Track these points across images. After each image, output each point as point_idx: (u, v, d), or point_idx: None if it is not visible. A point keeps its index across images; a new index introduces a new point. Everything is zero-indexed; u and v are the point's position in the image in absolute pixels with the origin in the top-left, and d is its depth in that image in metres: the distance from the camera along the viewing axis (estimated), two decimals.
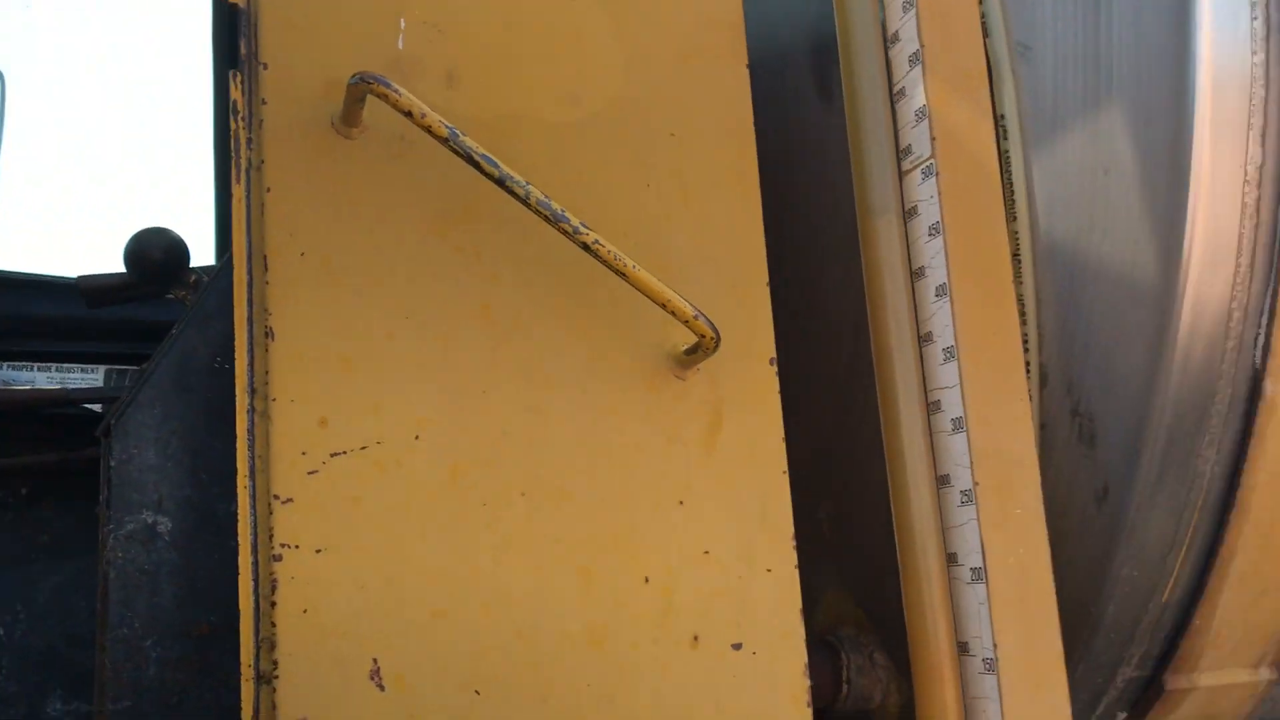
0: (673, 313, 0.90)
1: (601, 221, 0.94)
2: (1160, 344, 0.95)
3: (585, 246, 0.89)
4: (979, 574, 0.95)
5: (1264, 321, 0.96)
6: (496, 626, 0.87)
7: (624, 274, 0.90)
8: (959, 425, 0.99)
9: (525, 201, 0.88)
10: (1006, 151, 1.07)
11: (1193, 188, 0.93)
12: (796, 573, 0.95)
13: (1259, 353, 0.96)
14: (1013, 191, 1.07)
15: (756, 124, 1.04)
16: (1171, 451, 0.98)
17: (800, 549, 0.96)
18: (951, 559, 0.98)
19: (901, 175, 1.06)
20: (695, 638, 0.91)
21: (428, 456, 0.88)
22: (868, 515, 1.09)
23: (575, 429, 0.92)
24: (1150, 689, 1.07)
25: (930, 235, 1.03)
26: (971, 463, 0.97)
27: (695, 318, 0.90)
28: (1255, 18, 0.94)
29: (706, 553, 0.93)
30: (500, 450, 0.90)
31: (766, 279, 1.01)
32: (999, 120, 1.09)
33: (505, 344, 0.92)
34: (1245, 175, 0.94)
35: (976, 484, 0.96)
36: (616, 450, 0.93)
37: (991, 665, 0.94)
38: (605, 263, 0.89)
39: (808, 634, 0.95)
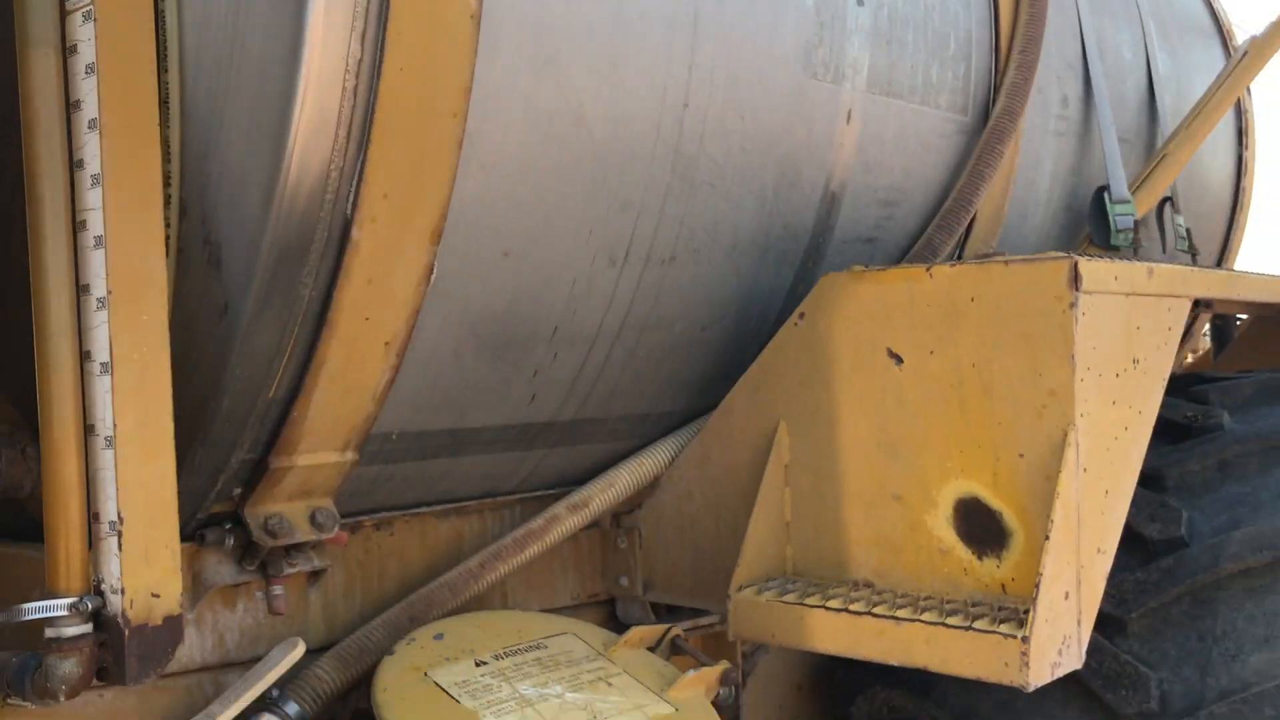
0: None
1: None
2: (272, 192, 1.20)
3: None
4: (106, 367, 1.14)
5: (354, 183, 1.25)
6: None
7: None
8: (100, 242, 1.15)
9: None
10: (163, 10, 1.24)
11: (303, 72, 1.19)
12: None
13: (350, 206, 1.26)
14: (166, 46, 1.24)
15: None
16: (279, 278, 1.25)
17: None
18: (86, 355, 1.15)
19: (65, 15, 1.17)
20: None
21: None
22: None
23: None
24: (258, 468, 1.35)
25: (87, 73, 1.17)
26: (108, 274, 1.14)
27: None
28: None
29: None
30: None
31: None
32: None
33: None
34: (347, 66, 1.21)
35: (110, 292, 1.14)
36: None
37: (110, 442, 1.13)
38: None
39: None
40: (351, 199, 1.26)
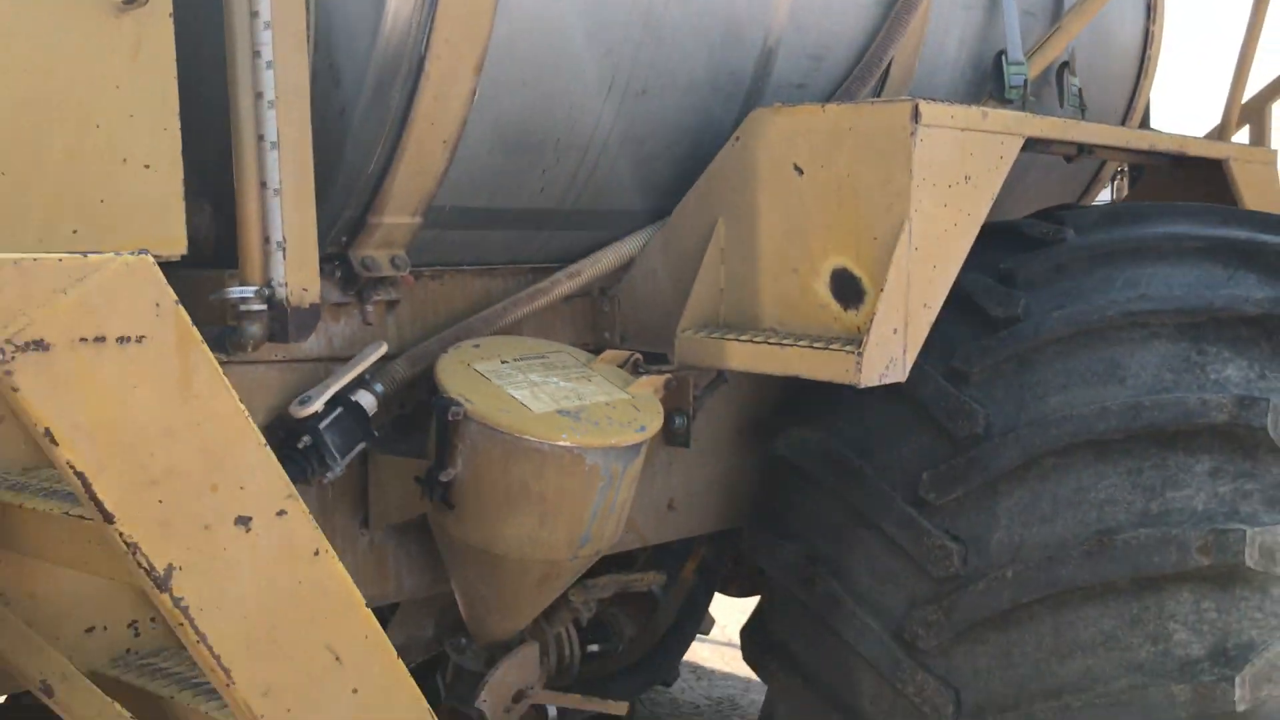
0: None
1: None
2: (376, 36, 1.87)
3: None
4: (275, 145, 1.82)
5: (427, 31, 1.91)
6: None
7: None
8: (269, 65, 1.82)
9: None
10: None
11: None
12: None
13: (424, 46, 1.92)
14: None
15: None
16: (378, 93, 1.92)
17: None
18: (261, 138, 1.83)
19: None
20: None
21: None
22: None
23: None
24: (359, 223, 2.05)
25: None
26: (275, 85, 1.81)
27: None
28: None
29: None
30: None
31: None
32: None
33: None
34: None
35: (275, 98, 1.81)
36: None
37: (277, 193, 1.82)
38: None
39: None
40: (425, 41, 1.92)
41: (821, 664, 2.58)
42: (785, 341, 2.21)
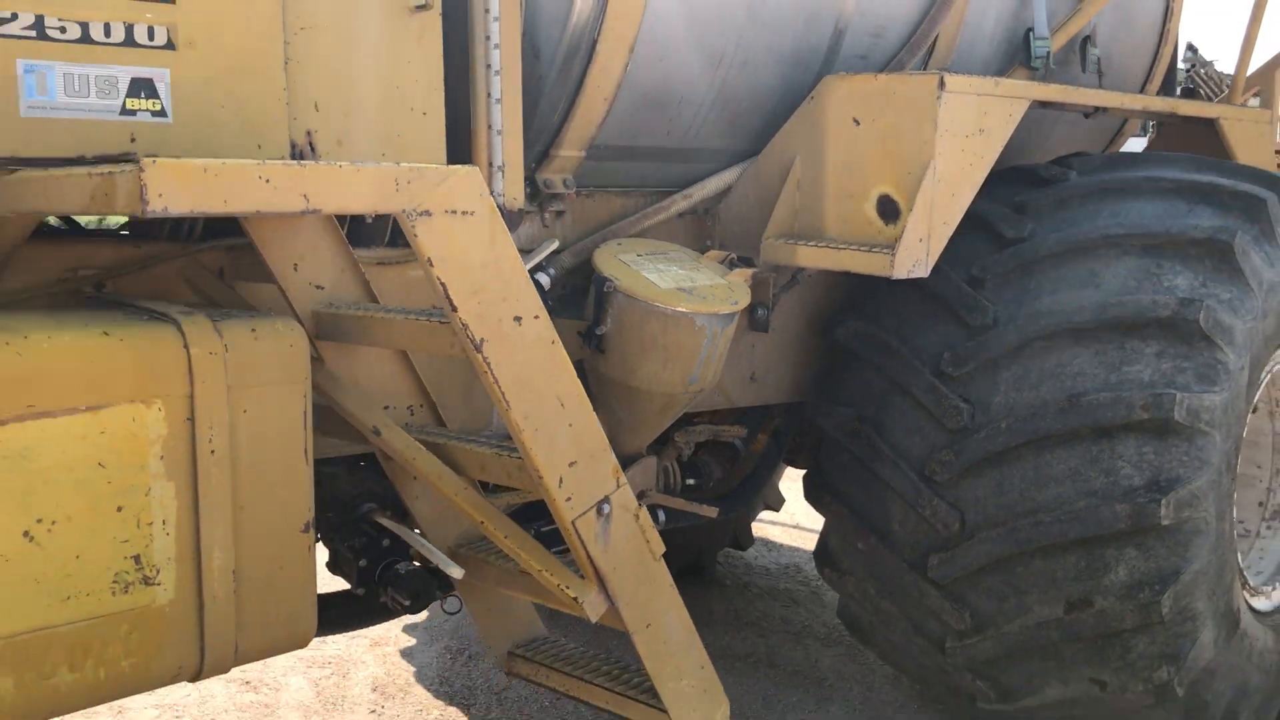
0: None
1: None
2: (565, 24, 2.76)
3: None
4: (498, 101, 2.73)
5: (599, 22, 2.80)
6: None
7: None
8: (496, 46, 2.73)
9: None
10: None
11: None
12: None
13: (596, 33, 2.82)
14: None
15: None
16: (565, 65, 2.83)
17: None
18: (489, 96, 2.74)
19: None
20: None
21: None
22: None
23: None
24: (545, 155, 2.97)
25: None
26: (501, 51, 2.72)
27: None
28: None
29: None
30: None
31: None
32: None
33: None
34: None
35: (502, 67, 2.72)
36: None
37: (498, 111, 2.74)
38: None
39: None
40: (598, 30, 2.81)
41: (863, 497, 3.48)
42: (841, 247, 3.09)
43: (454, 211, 2.02)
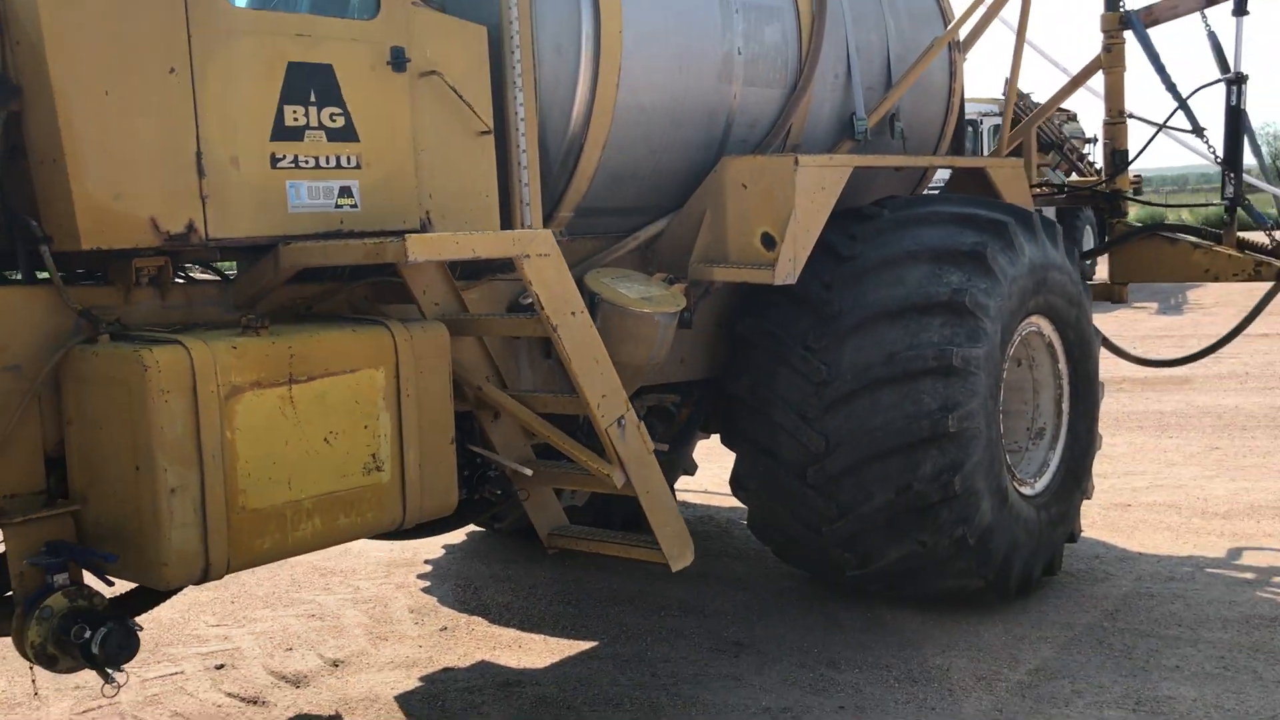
0: None
1: None
2: (566, 131, 4.49)
3: None
4: (526, 185, 4.42)
5: (584, 129, 4.53)
6: None
7: None
8: (524, 157, 4.42)
9: None
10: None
11: (580, 80, 4.47)
12: None
13: (584, 137, 4.54)
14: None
15: None
16: (565, 159, 4.55)
17: None
18: (524, 178, 4.44)
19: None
20: None
21: None
22: None
23: None
24: (551, 216, 4.67)
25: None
26: (527, 162, 4.43)
27: None
28: None
29: None
30: None
31: None
32: None
33: None
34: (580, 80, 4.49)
35: (527, 166, 4.43)
36: None
37: (527, 188, 4.43)
38: None
39: None
40: (584, 136, 4.54)
41: (760, 435, 5.26)
42: (740, 266, 4.88)
43: (541, 254, 3.72)
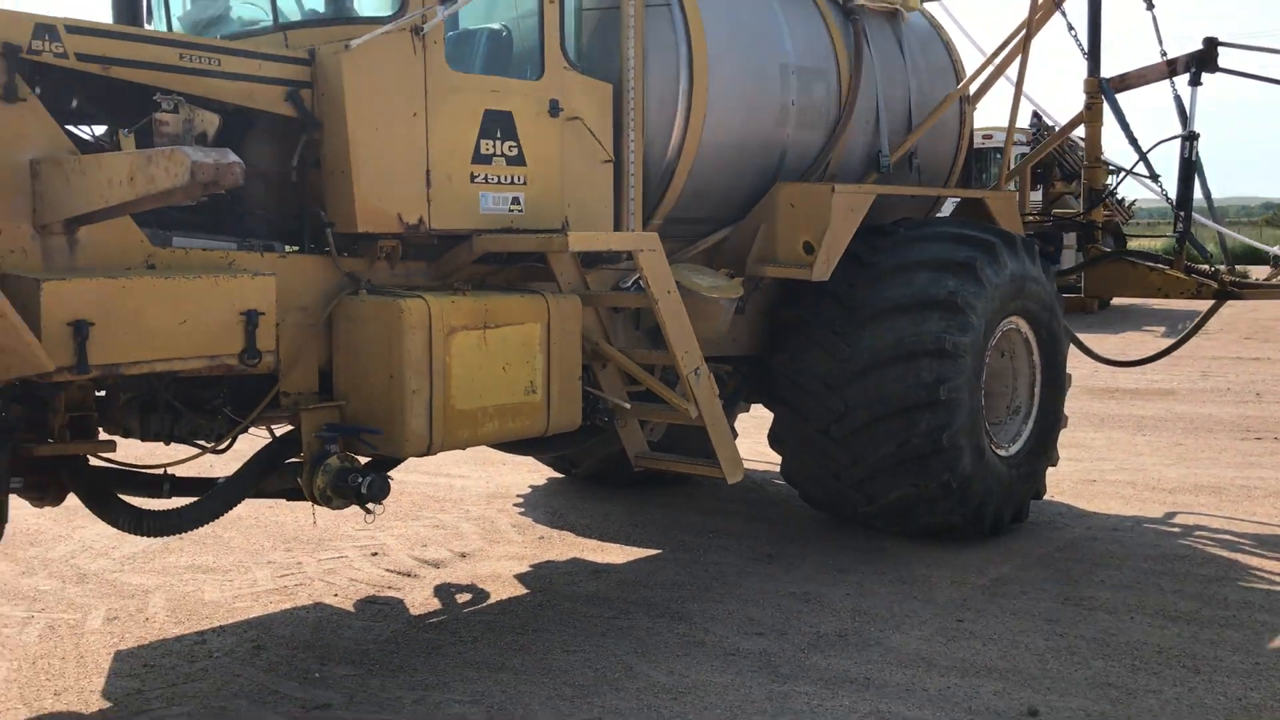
0: None
1: None
2: (664, 157, 6.21)
3: None
4: (633, 201, 6.13)
5: (677, 155, 6.24)
6: None
7: None
8: (632, 176, 6.12)
9: None
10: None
11: (678, 122, 6.19)
12: None
13: (676, 162, 6.25)
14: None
15: None
16: (660, 179, 6.27)
17: None
18: (630, 191, 6.15)
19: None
20: None
21: None
22: None
23: None
24: (646, 223, 6.38)
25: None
26: (635, 180, 6.13)
27: None
28: None
29: None
30: None
31: None
32: None
33: None
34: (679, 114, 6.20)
35: (633, 184, 6.14)
36: None
37: (634, 201, 6.14)
38: None
39: None
40: (675, 163, 6.23)
41: (794, 398, 6.96)
42: (786, 265, 6.58)
43: (651, 250, 5.44)
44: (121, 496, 4.94)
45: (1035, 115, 20.99)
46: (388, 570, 6.65)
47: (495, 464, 9.31)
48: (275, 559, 6.83)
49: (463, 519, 7.80)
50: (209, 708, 4.72)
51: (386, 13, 5.10)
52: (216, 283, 4.38)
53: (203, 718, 4.64)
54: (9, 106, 4.12)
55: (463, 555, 6.96)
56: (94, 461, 4.94)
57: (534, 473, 9.02)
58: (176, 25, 5.81)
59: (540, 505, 8.16)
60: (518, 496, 8.39)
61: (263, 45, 5.09)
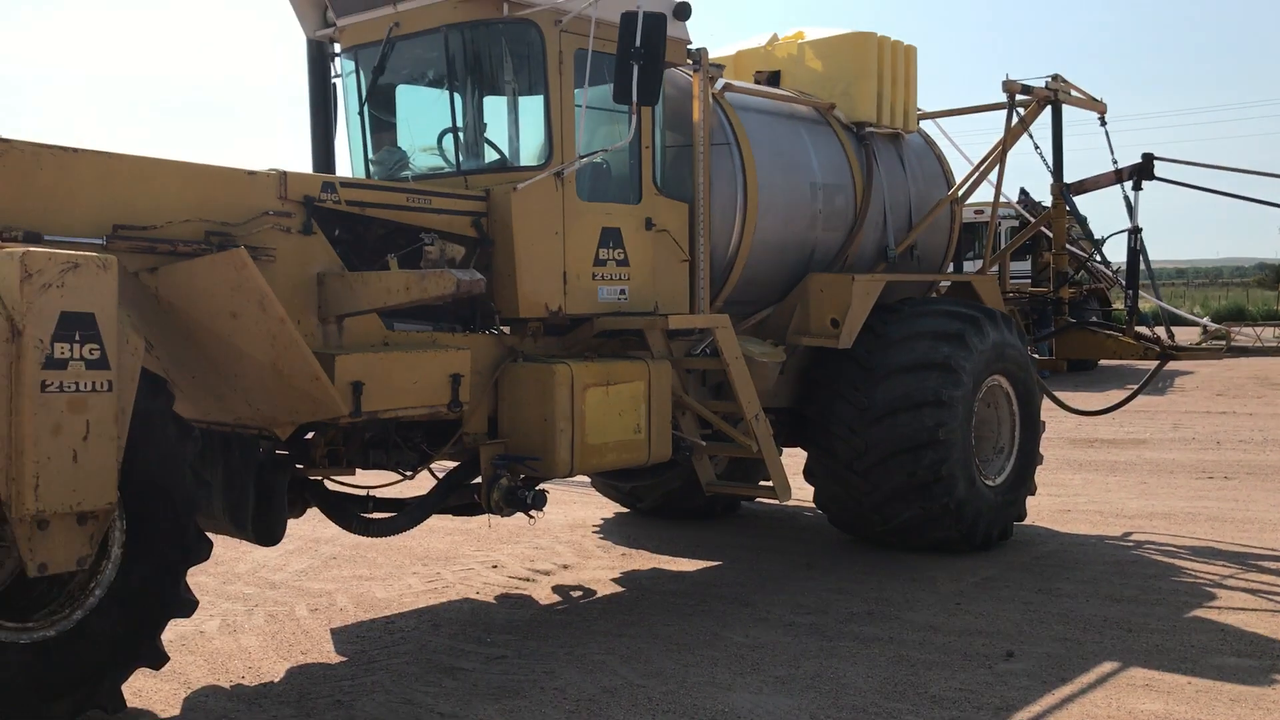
0: None
1: None
2: (728, 247, 8.32)
3: None
4: (703, 287, 8.22)
5: (737, 248, 8.34)
6: None
7: None
8: (699, 272, 8.22)
9: None
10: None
11: (735, 230, 8.32)
12: None
13: (735, 254, 8.37)
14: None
15: None
16: (724, 268, 8.38)
17: None
18: (700, 280, 8.24)
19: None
20: None
21: None
22: None
23: None
24: (710, 305, 8.48)
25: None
26: (706, 268, 8.23)
27: None
28: None
29: None
30: None
31: None
32: None
33: None
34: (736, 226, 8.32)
35: (704, 272, 8.24)
36: None
37: (703, 289, 8.22)
38: None
39: None
40: (735, 257, 8.34)
41: (823, 440, 9.03)
42: (817, 337, 8.67)
43: (724, 327, 7.54)
44: (352, 508, 6.97)
45: (1023, 191, 23.43)
46: (510, 577, 8.64)
47: (569, 503, 11.33)
48: (418, 570, 8.83)
49: (555, 542, 9.79)
50: (418, 658, 6.69)
51: (536, 163, 7.25)
52: (435, 355, 6.45)
53: (418, 662, 6.61)
54: (306, 238, 6.20)
55: (565, 566, 8.95)
56: (328, 484, 6.97)
57: (603, 509, 11.03)
58: (373, 169, 7.93)
59: (615, 532, 10.15)
60: (593, 527, 10.39)
61: (446, 186, 7.21)
